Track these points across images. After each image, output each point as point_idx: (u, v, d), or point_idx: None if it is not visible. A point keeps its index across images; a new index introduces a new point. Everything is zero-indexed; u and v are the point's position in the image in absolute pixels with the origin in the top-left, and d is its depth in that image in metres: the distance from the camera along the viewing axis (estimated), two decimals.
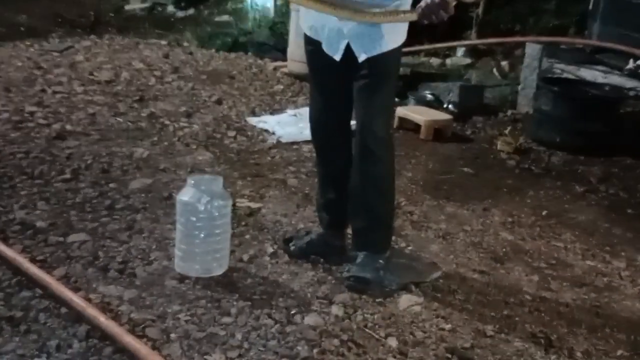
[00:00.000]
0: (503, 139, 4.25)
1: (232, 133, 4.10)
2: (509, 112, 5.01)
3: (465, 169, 3.91)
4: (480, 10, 6.76)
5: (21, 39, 6.69)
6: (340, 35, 2.41)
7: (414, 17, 2.24)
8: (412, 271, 2.68)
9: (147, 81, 5.03)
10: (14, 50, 5.66)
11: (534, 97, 4.69)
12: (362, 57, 2.40)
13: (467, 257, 2.89)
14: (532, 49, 4.96)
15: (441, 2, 2.14)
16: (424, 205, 3.37)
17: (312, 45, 2.53)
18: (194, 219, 2.39)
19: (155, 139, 3.82)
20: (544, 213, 3.41)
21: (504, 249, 3.00)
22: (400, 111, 4.41)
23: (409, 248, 2.91)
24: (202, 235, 2.39)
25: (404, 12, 2.29)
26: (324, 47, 2.47)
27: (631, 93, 4.53)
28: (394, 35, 2.40)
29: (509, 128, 4.41)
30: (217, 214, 2.41)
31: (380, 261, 2.59)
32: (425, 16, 2.21)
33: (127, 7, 9.26)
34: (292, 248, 2.70)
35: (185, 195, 2.42)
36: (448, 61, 6.69)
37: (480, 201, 3.48)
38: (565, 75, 4.75)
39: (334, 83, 2.54)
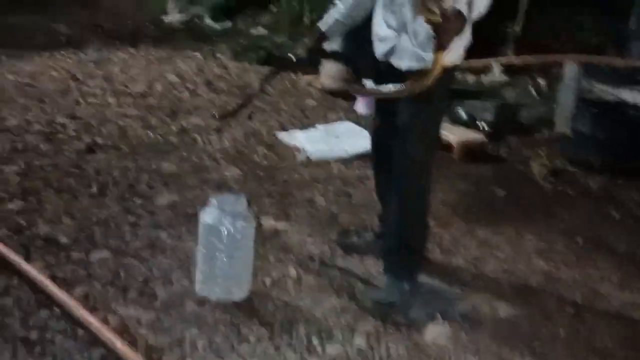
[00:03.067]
0: (538, 160, 4.13)
1: (261, 149, 4.06)
2: (546, 132, 4.87)
3: (498, 191, 3.80)
4: (517, 26, 6.64)
5: (60, 48, 6.80)
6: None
7: (440, 53, 2.08)
8: (439, 299, 2.60)
9: (180, 94, 5.04)
10: (51, 60, 5.74)
11: (571, 117, 4.54)
12: (403, 65, 2.34)
13: (498, 285, 2.78)
14: (570, 68, 4.82)
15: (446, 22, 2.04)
16: (454, 229, 3.27)
17: None
18: (215, 241, 2.34)
19: (184, 153, 3.80)
20: (579, 239, 3.28)
21: (536, 278, 2.89)
22: None
23: (438, 274, 2.82)
24: (224, 257, 2.35)
25: (435, 59, 2.09)
26: None
27: None
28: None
29: (544, 149, 4.28)
30: (239, 236, 2.36)
31: (406, 286, 2.52)
32: (446, 39, 2.09)
33: (165, 19, 9.37)
34: (345, 242, 2.85)
35: (207, 216, 2.38)
36: (484, 78, 6.57)
37: (512, 225, 3.37)
38: (604, 95, 4.59)
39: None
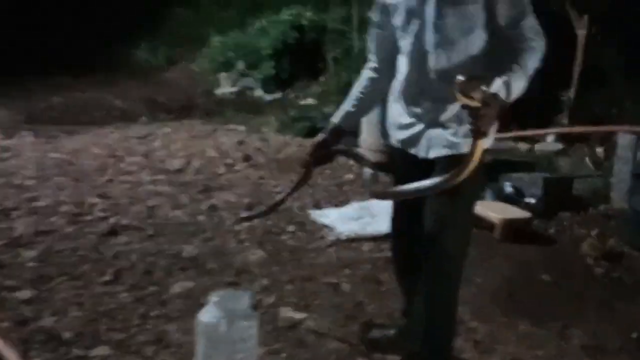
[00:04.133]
0: (590, 241, 3.78)
1: (291, 228, 3.91)
2: (602, 208, 4.51)
3: (545, 277, 3.47)
4: (571, 93, 6.37)
5: (113, 122, 6.98)
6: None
7: (480, 141, 1.88)
8: None
9: (217, 170, 5.00)
10: (96, 137, 5.86)
11: (628, 192, 4.20)
12: (432, 154, 2.17)
13: None
14: (624, 139, 4.50)
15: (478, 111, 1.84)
16: (492, 322, 2.97)
17: None
18: (213, 342, 2.16)
19: (209, 234, 3.68)
20: (634, 335, 2.91)
21: None
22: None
23: None
24: None
25: (474, 146, 1.89)
26: None
27: None
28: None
29: (598, 228, 3.92)
30: (238, 337, 2.17)
31: None
32: (487, 125, 1.90)
33: (217, 91, 9.55)
34: (367, 338, 2.65)
35: (206, 315, 2.20)
36: (537, 147, 6.28)
37: (559, 318, 3.03)
38: None
39: (410, 178, 2.23)
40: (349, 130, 2.45)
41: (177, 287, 3.01)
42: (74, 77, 9.60)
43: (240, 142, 5.74)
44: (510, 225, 3.90)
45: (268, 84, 9.21)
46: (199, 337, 2.23)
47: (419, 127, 2.22)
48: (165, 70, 11.10)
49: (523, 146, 6.27)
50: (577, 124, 6.10)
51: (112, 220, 3.73)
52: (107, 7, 11.72)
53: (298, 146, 5.79)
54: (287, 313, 2.89)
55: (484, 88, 1.81)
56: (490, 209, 4.08)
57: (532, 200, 4.44)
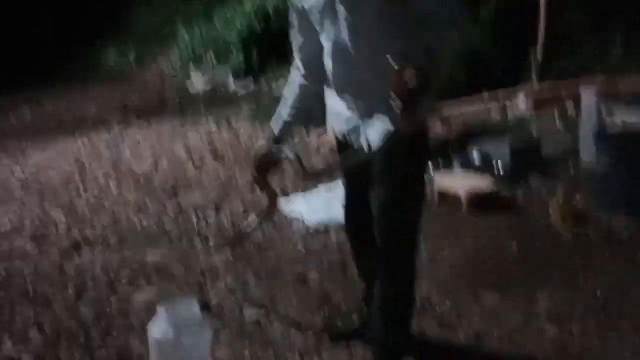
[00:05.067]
0: (556, 203, 3.76)
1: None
2: (571, 168, 4.49)
3: (512, 246, 3.46)
4: (538, 54, 6.31)
5: (85, 129, 6.91)
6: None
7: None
8: None
9: (185, 168, 4.97)
10: (65, 147, 5.80)
11: (594, 151, 4.17)
12: (371, 144, 2.16)
13: None
14: (588, 96, 4.47)
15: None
16: (457, 297, 2.96)
17: None
18: (166, 356, 2.15)
19: (175, 238, 3.67)
20: (600, 298, 2.91)
21: (545, 350, 2.55)
22: (439, 181, 4.04)
23: (433, 356, 2.53)
24: None
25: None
26: None
27: None
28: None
29: (562, 190, 3.89)
30: (190, 348, 2.16)
31: None
32: (417, 104, 1.89)
33: (190, 87, 9.46)
34: (331, 329, 2.66)
35: (156, 329, 2.20)
36: (508, 111, 6.24)
37: (524, 287, 3.02)
38: (626, 124, 4.21)
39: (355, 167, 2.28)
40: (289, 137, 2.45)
41: (140, 297, 3.00)
42: (43, 87, 9.52)
43: (210, 138, 5.70)
44: (476, 196, 3.89)
45: (239, 76, 9.12)
46: (151, 350, 2.23)
47: (355, 118, 2.22)
48: (136, 71, 11.00)
49: (495, 110, 6.24)
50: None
51: (75, 234, 3.71)
52: (70, 12, 11.59)
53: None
54: (251, 311, 2.88)
55: (417, 71, 1.82)
56: (454, 181, 4.06)
57: (501, 167, 4.42)
